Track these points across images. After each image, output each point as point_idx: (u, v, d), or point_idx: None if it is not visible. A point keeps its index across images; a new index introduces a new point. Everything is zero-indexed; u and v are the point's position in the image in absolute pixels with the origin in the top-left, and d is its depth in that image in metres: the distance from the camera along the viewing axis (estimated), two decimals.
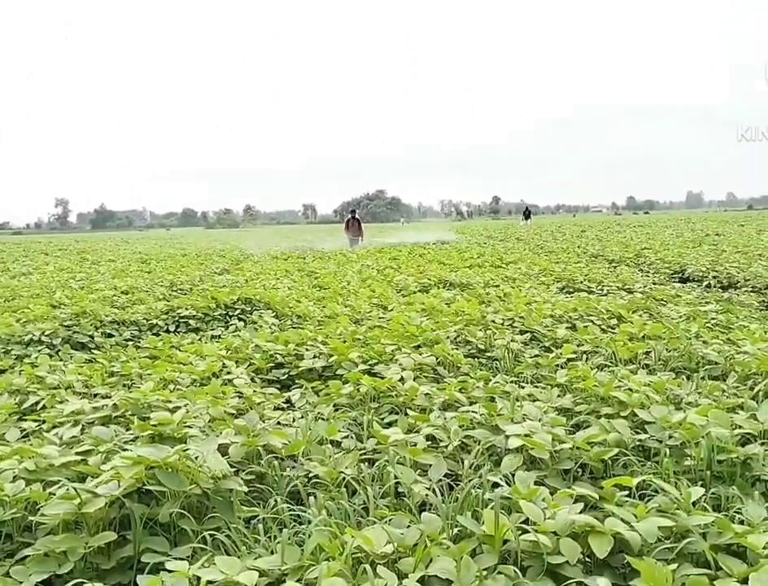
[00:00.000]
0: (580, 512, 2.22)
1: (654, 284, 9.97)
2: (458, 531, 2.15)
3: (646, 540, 2.04)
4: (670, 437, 3.01)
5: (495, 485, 2.42)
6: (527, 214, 47.01)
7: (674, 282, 10.74)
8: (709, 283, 9.74)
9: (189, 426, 3.21)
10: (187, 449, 2.67)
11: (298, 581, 1.87)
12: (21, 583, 2.09)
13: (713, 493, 2.62)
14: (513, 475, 2.59)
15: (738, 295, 8.43)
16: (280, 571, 1.95)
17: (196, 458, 2.64)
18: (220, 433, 3.19)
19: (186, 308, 6.90)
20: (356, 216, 24.03)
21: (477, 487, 2.52)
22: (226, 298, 7.35)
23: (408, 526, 2.17)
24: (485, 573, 1.88)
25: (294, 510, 2.46)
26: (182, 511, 2.38)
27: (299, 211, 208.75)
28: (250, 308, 7.25)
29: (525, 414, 3.31)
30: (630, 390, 3.66)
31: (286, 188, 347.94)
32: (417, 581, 1.85)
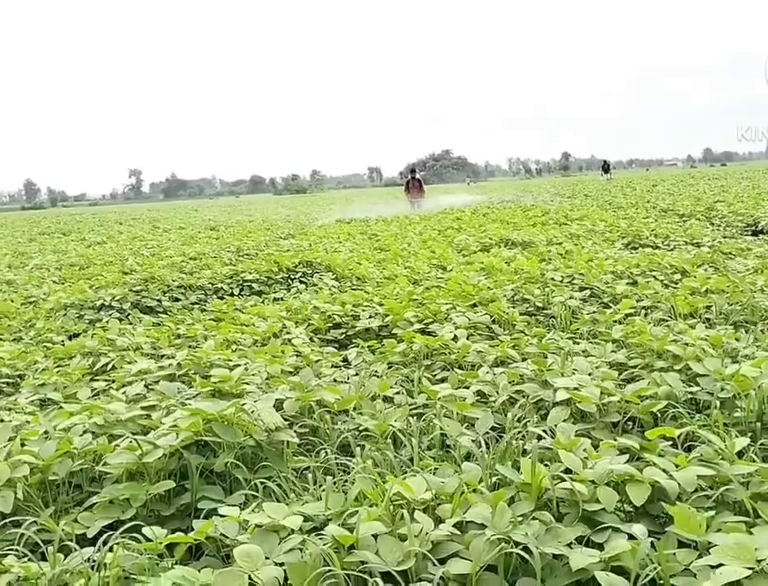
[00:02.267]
0: (624, 463, 2.24)
1: (724, 238, 9.64)
2: (497, 479, 2.21)
3: (684, 488, 2.06)
4: (722, 389, 2.98)
5: (539, 437, 2.45)
6: (606, 168, 44.23)
7: (746, 235, 10.37)
8: None
9: (246, 383, 3.35)
10: (244, 404, 2.80)
11: (341, 525, 1.96)
12: (88, 527, 2.25)
13: (762, 444, 2.59)
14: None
15: None
16: (324, 516, 2.05)
17: (252, 412, 2.77)
18: (276, 389, 3.32)
19: (250, 272, 7.10)
20: (417, 175, 22.41)
21: (521, 439, 2.57)
22: (288, 262, 7.52)
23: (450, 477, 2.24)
24: (520, 519, 1.93)
25: (342, 461, 2.56)
26: (236, 461, 2.50)
27: (365, 174, 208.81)
28: (311, 271, 7.40)
29: (575, 369, 3.32)
30: (686, 344, 3.62)
31: (353, 151, 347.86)
32: (454, 526, 1.92)
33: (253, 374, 3.60)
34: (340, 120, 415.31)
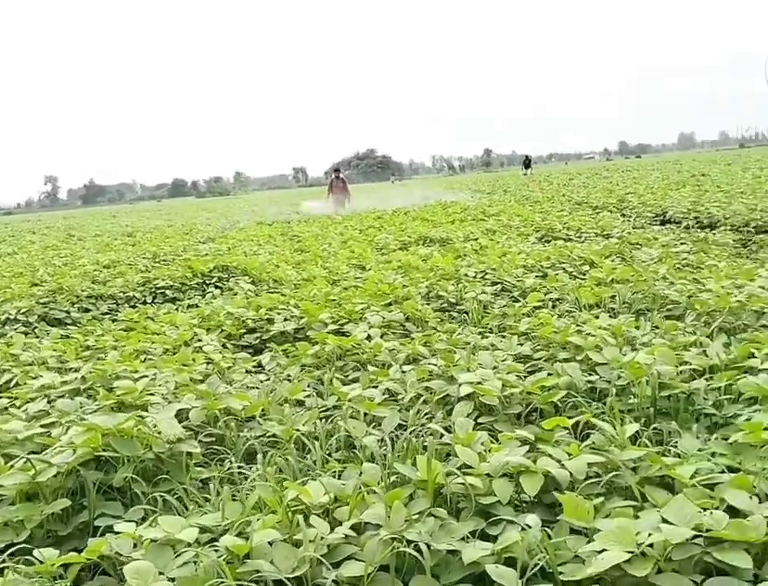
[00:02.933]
0: (524, 454, 2.29)
1: (634, 228, 9.99)
2: (396, 478, 2.23)
3: (576, 476, 2.12)
4: (619, 377, 3.08)
5: (436, 433, 2.49)
6: (527, 163, 44.76)
7: (654, 224, 10.76)
8: (687, 224, 9.76)
9: (152, 394, 3.28)
10: (145, 416, 2.74)
11: (237, 535, 1.94)
12: None
13: (655, 429, 2.70)
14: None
15: (715, 234, 8.46)
16: (222, 527, 2.02)
17: (154, 426, 2.71)
18: (182, 399, 3.25)
19: (163, 279, 6.94)
20: (341, 175, 21.86)
21: (423, 436, 2.60)
22: (203, 267, 7.39)
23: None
24: (416, 516, 1.95)
25: (245, 469, 2.53)
26: (134, 476, 2.45)
27: (290, 175, 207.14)
28: (227, 276, 7.29)
29: (480, 363, 3.38)
30: (588, 334, 3.74)
31: (277, 152, 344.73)
32: (351, 528, 1.92)
33: (160, 385, 3.52)
34: (264, 120, 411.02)
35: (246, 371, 4.14)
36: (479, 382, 3.01)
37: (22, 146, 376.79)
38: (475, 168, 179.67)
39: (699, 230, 9.32)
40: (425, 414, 3.05)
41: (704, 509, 1.85)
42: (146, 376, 3.68)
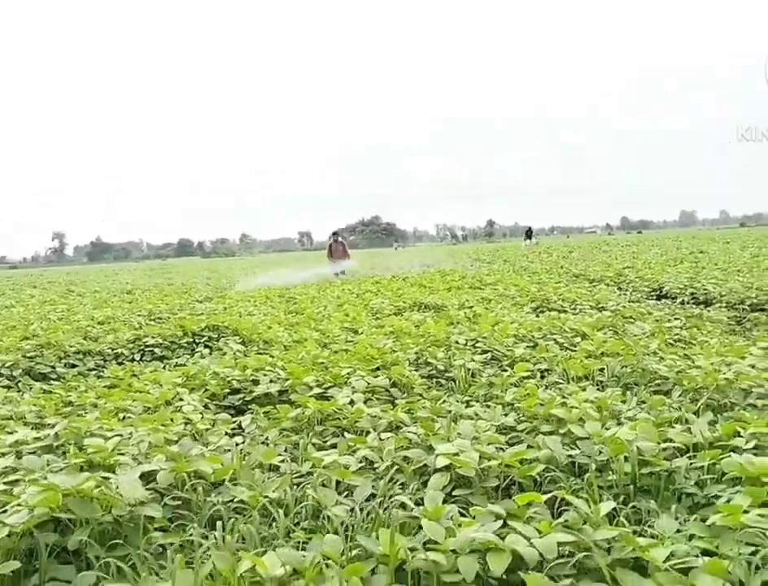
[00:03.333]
0: (498, 530, 2.21)
1: (631, 302, 9.98)
2: (360, 551, 2.14)
3: (545, 555, 2.03)
4: (600, 452, 3.01)
5: (403, 505, 2.41)
6: (529, 234, 45.98)
7: (651, 299, 10.76)
8: (683, 300, 9.75)
9: (122, 454, 3.20)
10: (108, 477, 2.66)
11: None
12: None
13: (634, 508, 2.61)
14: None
15: (710, 310, 8.44)
16: None
17: (117, 488, 2.63)
18: (153, 460, 3.17)
19: (153, 337, 6.88)
20: (340, 238, 21.23)
21: (394, 507, 2.51)
22: (194, 326, 7.34)
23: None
24: None
25: (207, 536, 2.44)
26: (90, 540, 2.36)
27: (295, 238, 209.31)
28: (217, 336, 7.23)
29: (459, 433, 3.31)
30: (573, 407, 3.67)
31: (283, 216, 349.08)
32: None
33: (133, 444, 3.44)
34: (271, 184, 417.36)
35: (226, 433, 4.06)
36: (456, 454, 2.93)
37: (30, 201, 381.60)
38: (478, 237, 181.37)
39: (694, 306, 9.31)
40: (401, 484, 2.97)
41: None
42: (121, 435, 3.61)
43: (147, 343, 6.77)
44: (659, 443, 2.94)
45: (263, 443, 3.75)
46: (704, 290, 10.19)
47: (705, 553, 2.12)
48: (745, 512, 2.19)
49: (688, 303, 9.62)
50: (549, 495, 2.47)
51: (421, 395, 4.63)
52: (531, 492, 2.51)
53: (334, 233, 21.55)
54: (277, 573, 1.94)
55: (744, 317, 8.01)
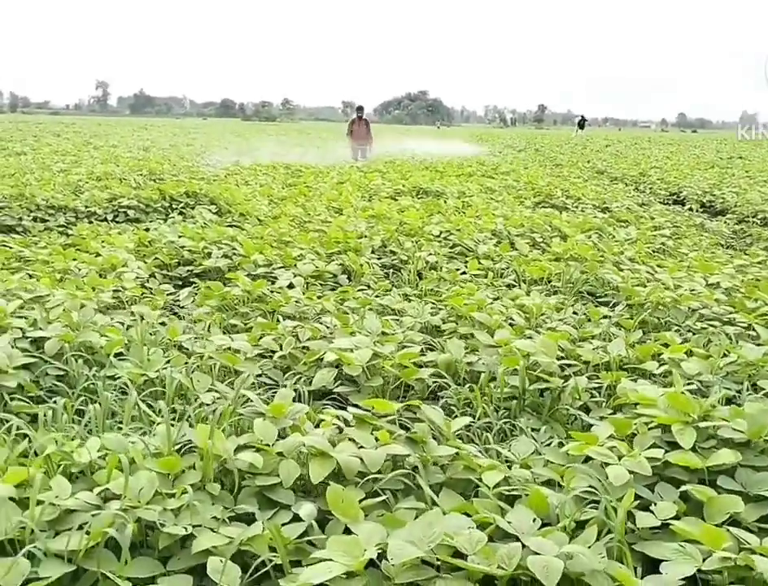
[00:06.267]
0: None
1: (641, 204, 9.60)
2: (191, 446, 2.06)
3: (369, 468, 1.94)
4: (501, 363, 2.88)
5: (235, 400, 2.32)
6: (582, 124, 44.74)
7: (667, 203, 10.34)
8: (691, 207, 9.32)
9: (23, 317, 3.15)
10: None
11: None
12: None
13: (507, 422, 2.51)
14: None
15: (715, 220, 8.06)
16: None
17: None
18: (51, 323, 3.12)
19: (129, 198, 6.77)
20: (363, 115, 18.14)
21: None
22: (172, 190, 7.20)
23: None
24: (185, 489, 1.79)
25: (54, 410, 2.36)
26: None
27: (339, 108, 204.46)
28: (194, 203, 7.10)
29: (368, 328, 3.19)
30: (501, 312, 3.53)
31: (328, 83, 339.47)
32: (99, 495, 1.77)
33: (48, 308, 3.40)
34: (318, 49, 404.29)
35: (164, 306, 4.01)
36: (351, 350, 2.83)
37: (78, 47, 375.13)
38: (527, 122, 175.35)
39: (703, 215, 8.92)
40: (297, 375, 2.90)
41: (476, 527, 1.67)
42: (40, 296, 3.57)
43: (122, 204, 6.66)
44: (560, 360, 2.80)
45: (193, 320, 3.69)
46: (723, 198, 9.73)
47: (546, 483, 2.01)
48: (601, 445, 2.06)
49: (698, 210, 9.20)
50: (404, 404, 2.36)
51: (368, 285, 4.51)
52: (382, 399, 2.40)
53: (359, 109, 18.72)
54: (82, 460, 1.88)
55: (748, 232, 7.63)
